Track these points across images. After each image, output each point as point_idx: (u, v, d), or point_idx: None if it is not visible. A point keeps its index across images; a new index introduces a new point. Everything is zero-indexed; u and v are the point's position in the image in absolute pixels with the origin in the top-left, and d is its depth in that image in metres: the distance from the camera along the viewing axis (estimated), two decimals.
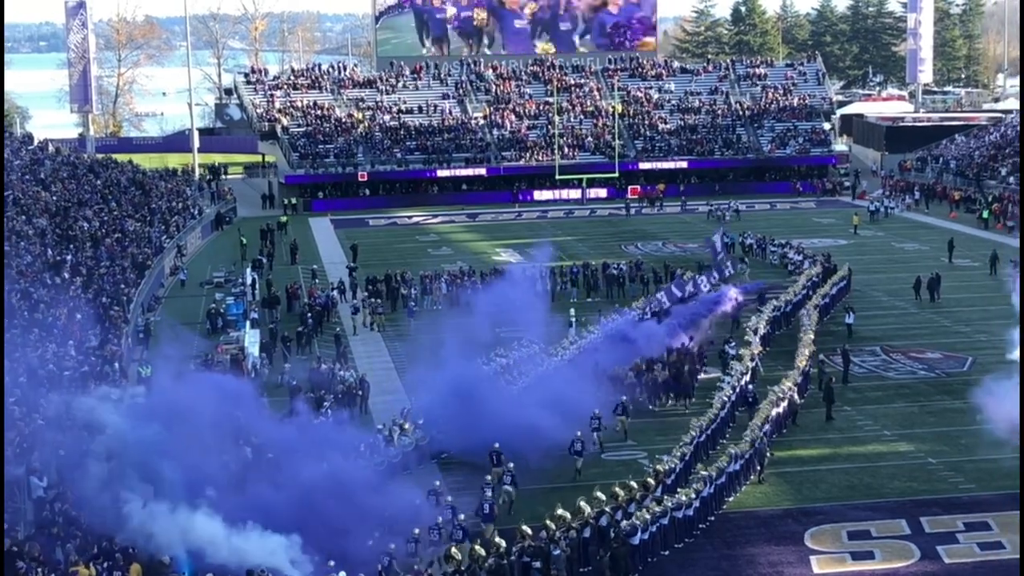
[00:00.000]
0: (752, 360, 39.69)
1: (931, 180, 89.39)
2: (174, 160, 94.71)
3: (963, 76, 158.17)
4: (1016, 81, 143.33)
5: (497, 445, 32.34)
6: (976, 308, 48.18)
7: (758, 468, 32.30)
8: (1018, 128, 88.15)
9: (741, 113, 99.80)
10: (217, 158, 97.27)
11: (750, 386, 36.47)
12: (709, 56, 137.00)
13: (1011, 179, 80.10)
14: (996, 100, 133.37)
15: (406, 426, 33.74)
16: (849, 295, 53.13)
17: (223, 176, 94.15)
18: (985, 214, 73.74)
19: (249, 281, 55.70)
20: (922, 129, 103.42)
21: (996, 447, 33.71)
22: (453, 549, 26.10)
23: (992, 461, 32.94)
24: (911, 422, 36.49)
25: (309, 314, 49.04)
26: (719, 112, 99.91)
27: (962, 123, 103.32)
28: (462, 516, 28.15)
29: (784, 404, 35.52)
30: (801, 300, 49.43)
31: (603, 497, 28.80)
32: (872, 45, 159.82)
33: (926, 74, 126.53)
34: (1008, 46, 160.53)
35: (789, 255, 60.67)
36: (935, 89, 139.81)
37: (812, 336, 42.25)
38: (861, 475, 32.37)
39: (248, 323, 48.10)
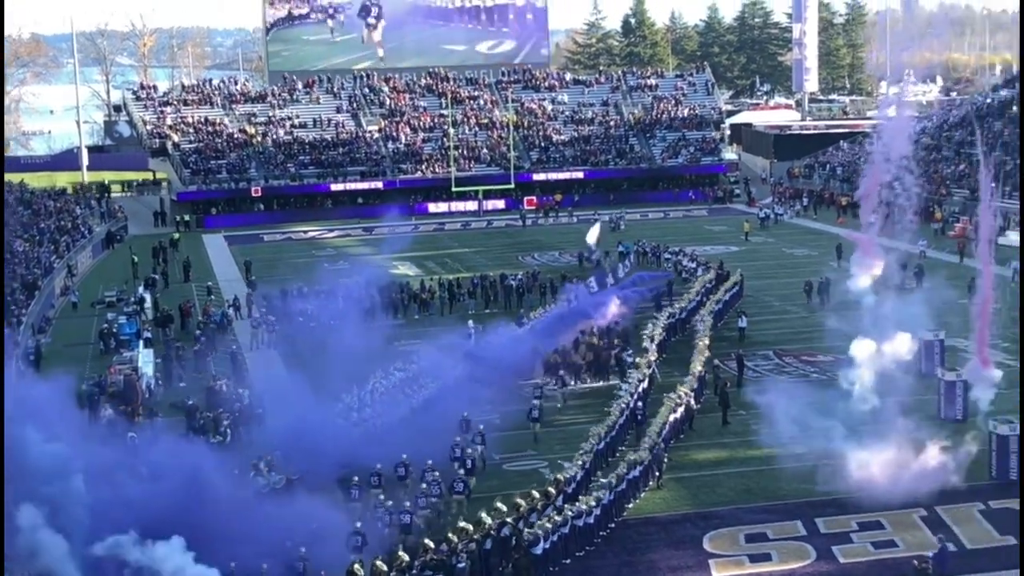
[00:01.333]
0: (649, 367, 40.13)
1: (818, 186, 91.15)
2: (63, 179, 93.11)
3: (848, 84, 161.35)
4: (897, 89, 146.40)
5: (466, 413, 35.27)
6: (865, 310, 49.11)
7: (657, 474, 32.66)
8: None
9: (633, 124, 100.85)
10: (107, 176, 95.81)
11: (640, 403, 36.54)
12: (601, 68, 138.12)
13: (895, 183, 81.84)
14: (879, 108, 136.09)
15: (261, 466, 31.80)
16: (742, 300, 53.98)
17: (110, 195, 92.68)
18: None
19: (142, 300, 54.96)
20: (809, 137, 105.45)
21: (888, 447, 34.40)
22: (355, 566, 26.00)
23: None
24: (804, 424, 37.00)
25: (202, 333, 48.52)
26: (612, 123, 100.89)
27: (847, 130, 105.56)
28: (436, 473, 30.87)
29: (681, 410, 35.96)
30: (695, 307, 50.09)
31: (504, 508, 28.90)
32: (759, 55, 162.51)
33: (812, 83, 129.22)
34: (890, 54, 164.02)
35: (683, 262, 61.41)
36: (821, 98, 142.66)
37: (707, 342, 42.85)
38: (757, 478, 32.87)
39: (141, 343, 47.46)
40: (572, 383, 41.62)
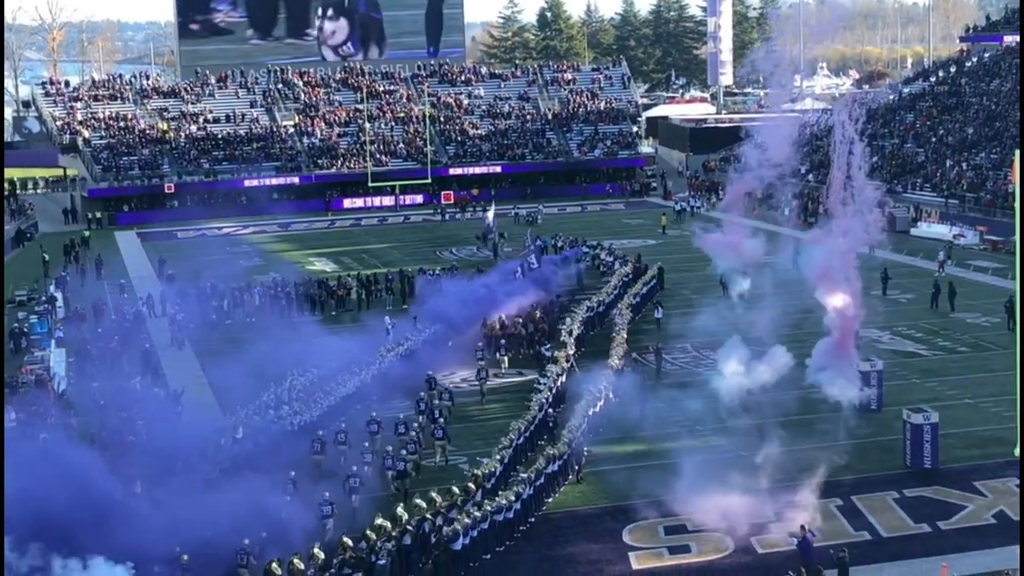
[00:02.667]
0: (568, 361, 40.13)
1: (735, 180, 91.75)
2: None
3: (762, 78, 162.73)
4: (812, 82, 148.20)
5: (430, 372, 38.01)
6: (780, 303, 49.53)
7: (576, 468, 32.66)
8: (816, 127, 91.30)
9: (550, 118, 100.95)
10: (15, 173, 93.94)
11: (551, 410, 36.12)
12: (517, 61, 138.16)
13: (810, 176, 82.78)
14: (793, 100, 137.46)
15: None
16: (660, 294, 54.19)
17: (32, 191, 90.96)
18: (787, 211, 75.94)
19: (53, 299, 53.97)
20: (724, 130, 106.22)
21: (803, 438, 34.77)
22: (273, 564, 25.69)
23: (800, 452, 33.91)
24: (723, 416, 37.25)
25: (115, 331, 47.76)
26: (528, 116, 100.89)
27: (762, 123, 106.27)
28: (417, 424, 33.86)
29: (600, 404, 35.97)
30: (613, 300, 50.21)
31: (423, 504, 28.73)
32: (675, 49, 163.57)
33: (727, 76, 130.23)
34: (804, 48, 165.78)
35: (601, 256, 61.53)
36: (736, 91, 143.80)
37: (625, 335, 42.96)
38: (676, 471, 32.84)
39: (53, 342, 46.59)
40: (494, 371, 41.78)
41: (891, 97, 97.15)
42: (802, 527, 27.66)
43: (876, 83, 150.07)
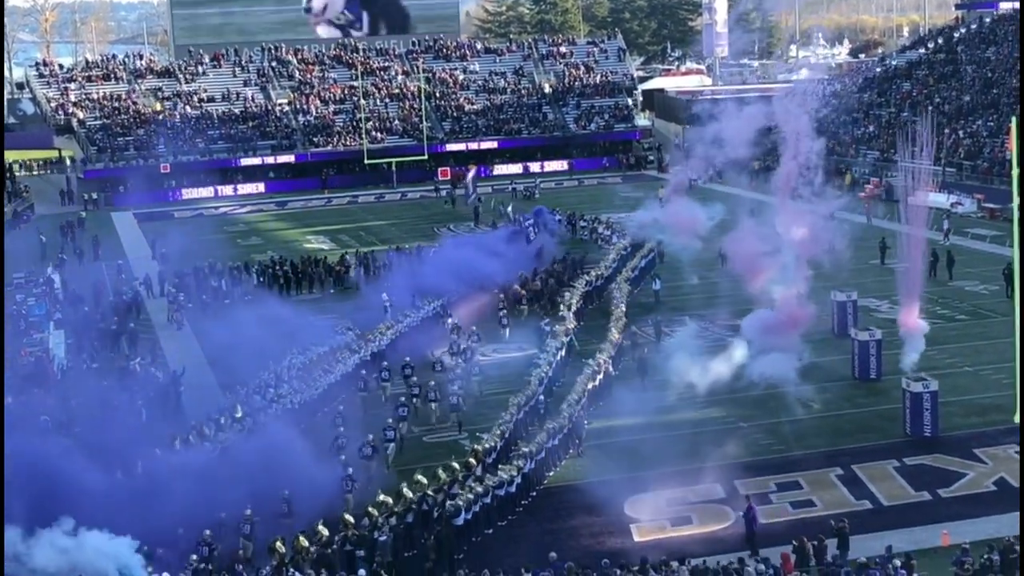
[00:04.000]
0: (567, 335, 40.13)
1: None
2: None
3: (757, 48, 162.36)
4: (808, 52, 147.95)
5: (408, 358, 38.60)
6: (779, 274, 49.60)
7: (576, 442, 32.70)
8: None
9: (546, 92, 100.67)
10: (11, 155, 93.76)
11: (541, 397, 35.36)
12: (512, 36, 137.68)
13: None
14: (790, 71, 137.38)
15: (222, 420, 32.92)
16: (659, 267, 54.11)
17: (14, 174, 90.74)
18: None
19: (51, 280, 53.90)
20: (721, 102, 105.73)
21: (802, 407, 34.85)
22: (277, 543, 25.76)
23: (799, 422, 33.99)
24: (722, 388, 37.29)
25: (114, 312, 47.76)
26: (524, 91, 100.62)
27: (758, 95, 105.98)
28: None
29: (600, 377, 35.98)
30: (612, 274, 50.18)
31: (425, 480, 28.79)
32: (670, 20, 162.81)
33: (722, 48, 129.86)
34: (799, 18, 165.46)
35: (599, 230, 61.47)
36: (732, 62, 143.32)
37: (624, 309, 42.95)
38: (677, 442, 32.92)
39: (52, 324, 46.56)
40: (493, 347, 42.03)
41: (877, 71, 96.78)
42: (747, 497, 27.82)
43: (871, 52, 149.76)
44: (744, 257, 43.56)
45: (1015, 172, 31.25)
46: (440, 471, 29.14)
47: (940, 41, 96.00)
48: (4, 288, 39.10)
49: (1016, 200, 31.16)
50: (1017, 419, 31.43)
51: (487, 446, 30.59)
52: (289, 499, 27.95)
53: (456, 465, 29.51)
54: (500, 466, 29.70)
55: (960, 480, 30.03)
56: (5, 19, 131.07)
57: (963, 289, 49.71)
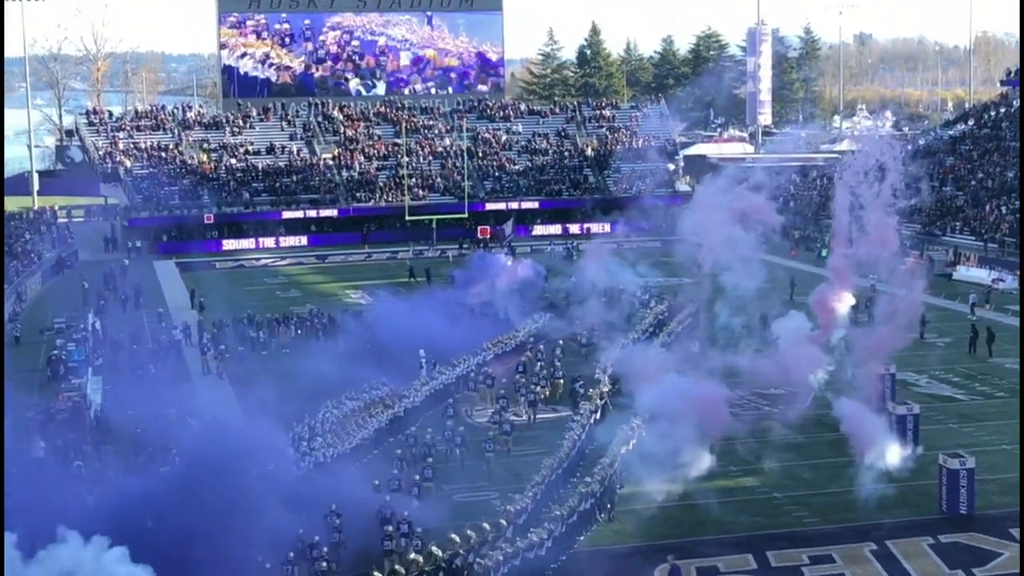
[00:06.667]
0: (601, 399, 40.06)
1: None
2: (12, 204, 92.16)
3: (801, 118, 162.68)
4: (850, 122, 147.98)
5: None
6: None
7: (609, 506, 32.54)
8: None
9: (588, 154, 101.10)
10: (58, 201, 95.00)
11: (574, 459, 35.80)
12: (556, 98, 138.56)
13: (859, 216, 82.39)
14: (833, 141, 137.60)
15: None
16: (696, 332, 53.93)
17: (62, 219, 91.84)
18: (823, 252, 75.65)
19: (92, 326, 54.35)
20: (763, 169, 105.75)
21: (837, 481, 34.58)
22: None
23: (834, 495, 33.74)
24: (756, 457, 37.09)
25: (152, 360, 48.08)
26: (567, 153, 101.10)
27: (800, 164, 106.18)
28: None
29: (633, 442, 35.83)
30: (648, 338, 50.08)
31: (457, 539, 28.68)
32: (714, 87, 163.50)
33: (765, 116, 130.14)
34: (843, 89, 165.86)
35: (637, 294, 61.38)
36: (775, 131, 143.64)
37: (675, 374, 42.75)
38: (709, 510, 32.77)
39: (90, 370, 46.90)
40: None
41: (920, 143, 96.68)
42: (668, 557, 27.96)
43: (916, 125, 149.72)
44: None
45: None
46: (470, 531, 29.05)
47: (985, 116, 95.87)
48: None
49: None
50: None
51: (518, 507, 30.48)
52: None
53: (487, 526, 29.40)
54: (531, 528, 29.59)
55: (995, 560, 29.66)
56: (58, 67, 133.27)
57: (1003, 366, 49.31)
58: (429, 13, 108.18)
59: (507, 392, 43.60)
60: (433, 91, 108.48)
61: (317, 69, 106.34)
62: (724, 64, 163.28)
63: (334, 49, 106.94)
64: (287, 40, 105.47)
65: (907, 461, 35.21)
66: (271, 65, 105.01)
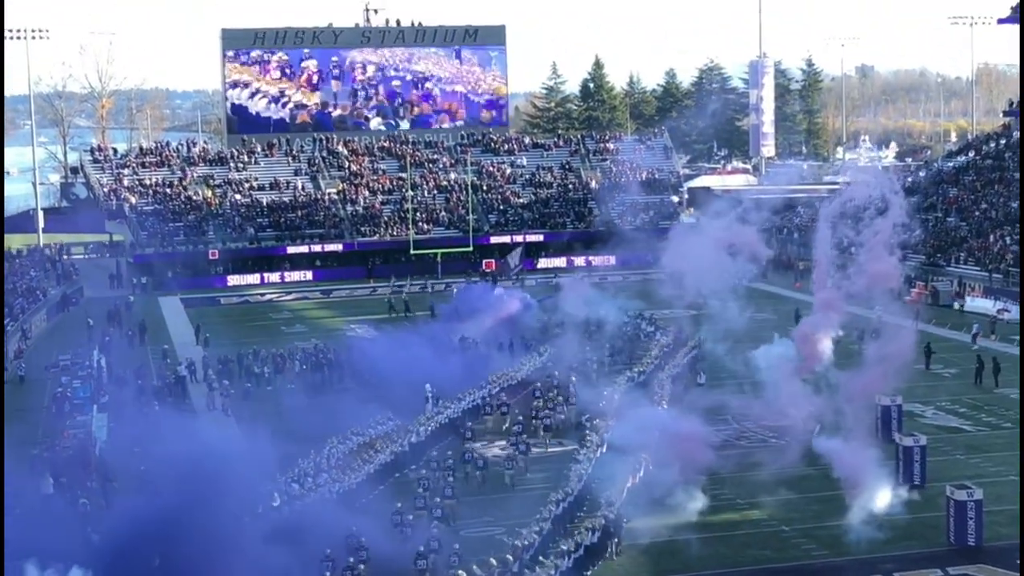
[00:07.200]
0: (607, 431, 39.95)
1: (775, 251, 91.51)
2: (17, 241, 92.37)
3: (804, 150, 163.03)
4: (854, 154, 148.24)
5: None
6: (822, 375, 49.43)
7: (616, 540, 32.40)
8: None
9: (592, 187, 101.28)
10: (63, 238, 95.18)
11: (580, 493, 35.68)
12: (560, 131, 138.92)
13: (852, 249, 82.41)
14: (836, 172, 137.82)
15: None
16: (701, 364, 53.94)
17: (67, 256, 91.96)
18: (828, 283, 75.57)
19: (98, 363, 54.34)
20: (766, 201, 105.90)
21: (845, 513, 34.41)
22: None
23: (842, 527, 33.56)
24: (763, 490, 36.97)
25: (157, 397, 48.05)
26: (571, 186, 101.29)
27: (804, 195, 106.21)
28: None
29: (639, 475, 35.74)
30: (654, 370, 50.03)
31: (463, 574, 28.58)
32: (717, 119, 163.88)
33: (768, 148, 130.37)
34: (846, 120, 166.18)
35: (642, 326, 61.40)
36: (778, 162, 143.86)
37: (666, 406, 42.73)
38: (716, 544, 32.64)
39: (95, 407, 46.84)
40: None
41: (921, 175, 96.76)
42: None
43: (918, 156, 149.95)
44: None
45: None
46: (476, 567, 28.93)
47: (988, 147, 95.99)
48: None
49: None
50: None
51: (525, 543, 30.36)
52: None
53: (493, 561, 29.29)
54: (540, 561, 29.45)
55: None
56: (63, 104, 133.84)
57: (1009, 397, 49.13)
58: (457, 47, 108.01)
59: (523, 416, 44.24)
60: (459, 125, 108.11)
61: (335, 108, 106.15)
62: (727, 96, 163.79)
63: (356, 86, 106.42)
64: (300, 76, 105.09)
65: (898, 502, 34.82)
66: (285, 104, 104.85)
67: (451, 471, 37.20)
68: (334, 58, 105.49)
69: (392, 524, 32.61)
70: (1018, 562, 30.96)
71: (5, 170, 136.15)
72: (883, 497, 34.59)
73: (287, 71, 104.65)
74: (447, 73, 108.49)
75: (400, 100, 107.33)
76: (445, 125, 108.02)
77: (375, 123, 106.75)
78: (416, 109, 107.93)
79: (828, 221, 43.34)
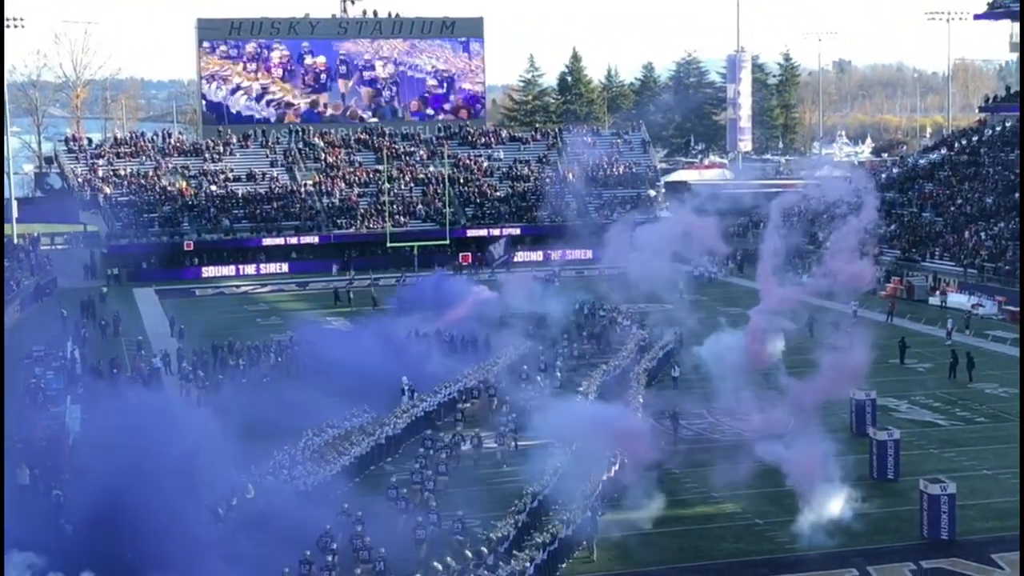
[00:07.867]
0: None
1: (751, 245, 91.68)
2: None
3: (781, 144, 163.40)
4: (831, 149, 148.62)
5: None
6: (797, 371, 49.52)
7: (590, 534, 32.38)
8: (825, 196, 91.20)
9: (569, 180, 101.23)
10: (37, 228, 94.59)
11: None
12: (537, 124, 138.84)
13: (827, 243, 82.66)
14: (812, 167, 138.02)
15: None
16: (677, 357, 54.00)
17: (45, 246, 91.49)
18: (804, 278, 75.75)
19: (71, 354, 54.04)
20: (743, 196, 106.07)
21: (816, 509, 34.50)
22: None
23: (814, 521, 33.62)
24: (738, 483, 36.98)
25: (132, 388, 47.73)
26: (548, 179, 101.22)
27: (780, 189, 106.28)
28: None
29: (614, 469, 35.74)
30: (629, 364, 50.07)
31: (439, 567, 28.54)
32: (694, 114, 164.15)
33: (746, 143, 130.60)
34: (822, 115, 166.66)
35: (618, 319, 61.43)
36: (755, 157, 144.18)
37: (641, 399, 42.79)
38: (690, 537, 32.73)
39: (69, 398, 46.56)
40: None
41: (895, 171, 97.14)
42: None
43: (894, 151, 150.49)
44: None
45: None
46: (450, 559, 28.89)
47: (963, 142, 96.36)
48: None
49: None
50: None
51: (500, 535, 30.34)
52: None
53: (468, 553, 29.26)
54: (514, 553, 29.43)
55: None
56: (37, 94, 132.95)
57: (983, 391, 49.42)
58: (434, 38, 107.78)
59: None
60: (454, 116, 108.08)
61: (327, 108, 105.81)
62: (704, 91, 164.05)
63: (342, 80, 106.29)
64: (275, 67, 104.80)
65: (849, 509, 34.19)
66: (270, 102, 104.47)
67: (449, 448, 39.04)
68: (305, 44, 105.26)
69: (387, 498, 33.89)
70: (991, 556, 31.16)
71: None
72: (836, 505, 34.27)
73: (262, 63, 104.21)
74: (425, 65, 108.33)
75: (377, 92, 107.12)
76: (422, 116, 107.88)
77: (351, 114, 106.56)
78: (394, 101, 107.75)
79: (778, 214, 43.55)
